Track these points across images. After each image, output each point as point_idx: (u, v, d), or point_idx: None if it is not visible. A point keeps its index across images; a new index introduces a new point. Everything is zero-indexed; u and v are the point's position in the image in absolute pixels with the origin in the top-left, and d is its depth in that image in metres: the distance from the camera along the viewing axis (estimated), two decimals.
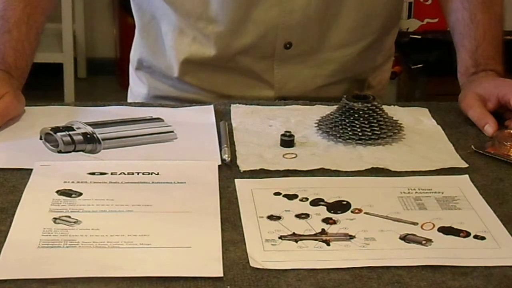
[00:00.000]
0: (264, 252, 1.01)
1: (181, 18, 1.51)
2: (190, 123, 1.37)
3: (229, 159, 1.24)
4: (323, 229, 1.07)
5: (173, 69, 1.56)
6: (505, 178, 1.22)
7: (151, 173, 1.20)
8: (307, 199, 1.14)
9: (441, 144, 1.33)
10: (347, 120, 1.31)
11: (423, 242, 1.04)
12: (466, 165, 1.25)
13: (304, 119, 1.39)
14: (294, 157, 1.26)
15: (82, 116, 1.36)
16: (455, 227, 1.08)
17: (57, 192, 1.14)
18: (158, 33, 1.57)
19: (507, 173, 1.23)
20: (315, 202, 1.13)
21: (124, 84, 1.91)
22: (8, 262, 0.98)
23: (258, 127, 1.36)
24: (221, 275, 0.97)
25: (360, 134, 1.30)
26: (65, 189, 1.14)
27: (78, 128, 1.29)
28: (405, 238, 1.05)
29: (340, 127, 1.31)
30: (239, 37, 1.50)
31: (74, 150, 1.26)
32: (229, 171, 1.22)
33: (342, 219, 1.09)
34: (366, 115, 1.31)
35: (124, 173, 1.20)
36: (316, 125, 1.35)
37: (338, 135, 1.31)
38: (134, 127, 1.33)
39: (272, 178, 1.20)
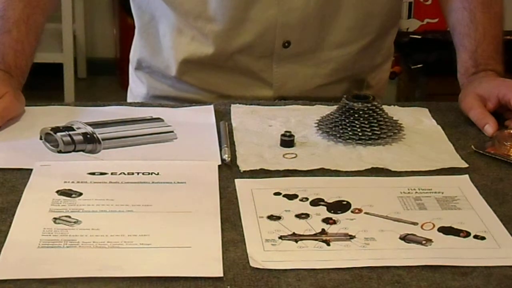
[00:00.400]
0: (264, 252, 1.01)
1: (180, 17, 1.51)
2: (190, 123, 1.37)
3: (229, 159, 1.24)
4: (323, 229, 1.07)
5: (172, 69, 1.57)
6: (505, 178, 1.22)
7: (151, 173, 1.20)
8: (307, 199, 1.14)
9: (441, 144, 1.33)
10: (347, 120, 1.31)
11: (423, 242, 1.04)
12: (466, 165, 1.25)
13: (304, 119, 1.39)
14: (294, 157, 1.26)
15: (82, 116, 1.36)
16: (455, 227, 1.08)
17: (57, 192, 1.14)
18: (157, 33, 1.57)
19: (507, 173, 1.23)
20: (315, 202, 1.13)
21: (124, 84, 1.91)
22: (8, 262, 0.98)
23: (258, 127, 1.36)
24: (221, 275, 0.97)
25: (360, 134, 1.30)
26: (65, 189, 1.14)
27: (78, 128, 1.29)
28: (405, 238, 1.05)
29: (340, 127, 1.31)
30: (238, 36, 1.50)
31: (74, 150, 1.26)
32: (229, 171, 1.22)
33: (342, 219, 1.09)
34: (366, 115, 1.31)
35: (124, 173, 1.20)
36: (316, 125, 1.35)
37: (338, 135, 1.31)
38: (134, 127, 1.33)
39: (272, 178, 1.20)
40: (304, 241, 1.04)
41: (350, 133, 1.31)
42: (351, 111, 1.32)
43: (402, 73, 3.35)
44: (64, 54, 3.78)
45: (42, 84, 2.95)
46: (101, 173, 1.19)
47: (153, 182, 1.18)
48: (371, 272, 0.98)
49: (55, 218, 1.07)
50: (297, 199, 1.14)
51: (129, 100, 1.67)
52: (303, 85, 1.55)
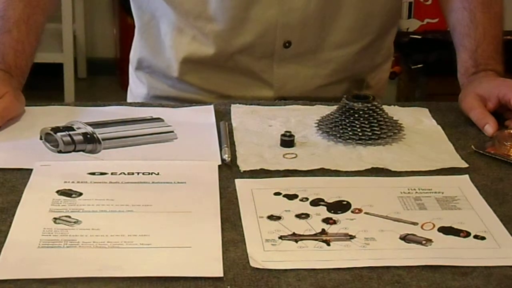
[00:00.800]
0: (264, 252, 1.01)
1: (180, 17, 1.51)
2: (190, 123, 1.37)
3: (229, 159, 1.24)
4: (323, 229, 1.07)
5: (172, 69, 1.56)
6: (505, 178, 1.22)
7: (151, 173, 1.20)
8: (307, 199, 1.14)
9: (441, 144, 1.33)
10: (347, 120, 1.31)
11: (423, 242, 1.04)
12: (466, 165, 1.25)
13: (304, 119, 1.39)
14: (294, 157, 1.26)
15: (82, 116, 1.36)
16: (455, 227, 1.08)
17: (57, 192, 1.14)
18: (157, 33, 1.57)
19: (507, 173, 1.23)
20: (315, 202, 1.13)
21: (124, 84, 1.91)
22: (8, 262, 0.98)
23: (258, 127, 1.36)
24: (221, 275, 0.97)
25: (360, 134, 1.30)
26: (65, 189, 1.14)
27: (78, 128, 1.29)
28: (405, 238, 1.05)
29: (340, 127, 1.31)
30: (238, 36, 1.50)
31: (74, 150, 1.26)
32: (229, 171, 1.22)
33: (342, 219, 1.09)
34: (366, 115, 1.31)
35: (124, 173, 1.20)
36: (316, 125, 1.35)
37: (338, 135, 1.31)
38: (134, 127, 1.33)
39: (272, 178, 1.20)
40: (304, 241, 1.04)
41: (350, 133, 1.31)
42: (351, 111, 1.32)
43: (402, 73, 3.35)
44: (64, 54, 3.78)
45: (42, 84, 2.95)
46: (101, 173, 1.19)
47: (153, 182, 1.18)
48: (371, 272, 0.98)
49: (55, 218, 1.07)
50: (297, 199, 1.14)
51: (129, 100, 1.67)
52: (304, 85, 1.55)
